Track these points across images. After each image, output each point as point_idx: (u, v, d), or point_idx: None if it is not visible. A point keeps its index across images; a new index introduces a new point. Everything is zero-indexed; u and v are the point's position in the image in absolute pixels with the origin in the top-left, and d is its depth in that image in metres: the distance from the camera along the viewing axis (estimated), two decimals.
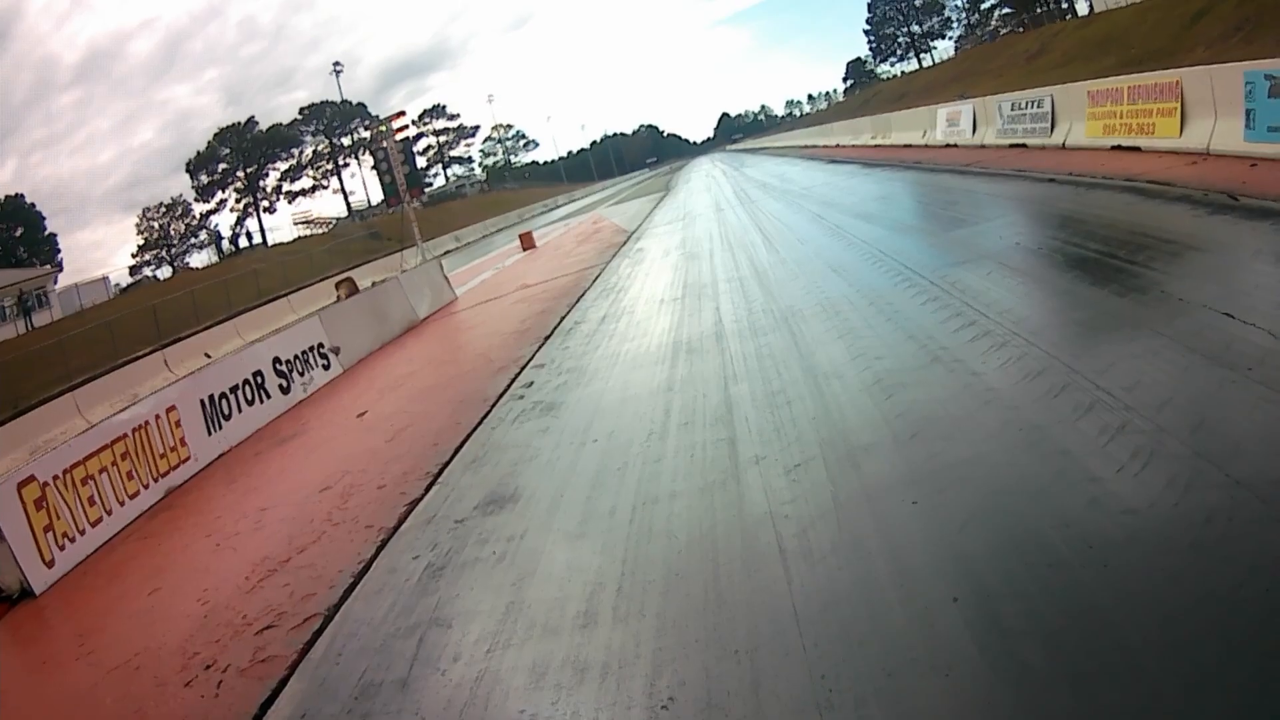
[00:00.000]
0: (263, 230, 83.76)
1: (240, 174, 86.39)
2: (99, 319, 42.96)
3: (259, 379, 13.11)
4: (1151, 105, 14.08)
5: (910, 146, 27.76)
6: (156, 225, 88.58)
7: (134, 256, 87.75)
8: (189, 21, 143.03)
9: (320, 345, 14.80)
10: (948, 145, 24.58)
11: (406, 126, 21.75)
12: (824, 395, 6.06)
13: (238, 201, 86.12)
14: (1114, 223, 9.16)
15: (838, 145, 41.32)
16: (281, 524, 7.47)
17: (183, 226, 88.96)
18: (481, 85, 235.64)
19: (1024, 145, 19.16)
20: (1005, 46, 68.59)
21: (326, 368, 14.75)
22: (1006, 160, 17.11)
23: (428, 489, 6.97)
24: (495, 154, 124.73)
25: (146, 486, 9.92)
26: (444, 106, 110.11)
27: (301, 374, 14.06)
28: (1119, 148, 14.41)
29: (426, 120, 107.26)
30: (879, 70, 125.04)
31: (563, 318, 12.37)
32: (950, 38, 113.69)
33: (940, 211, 13.25)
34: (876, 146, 32.67)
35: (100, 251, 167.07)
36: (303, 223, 77.62)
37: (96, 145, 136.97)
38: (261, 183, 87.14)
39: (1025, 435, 4.57)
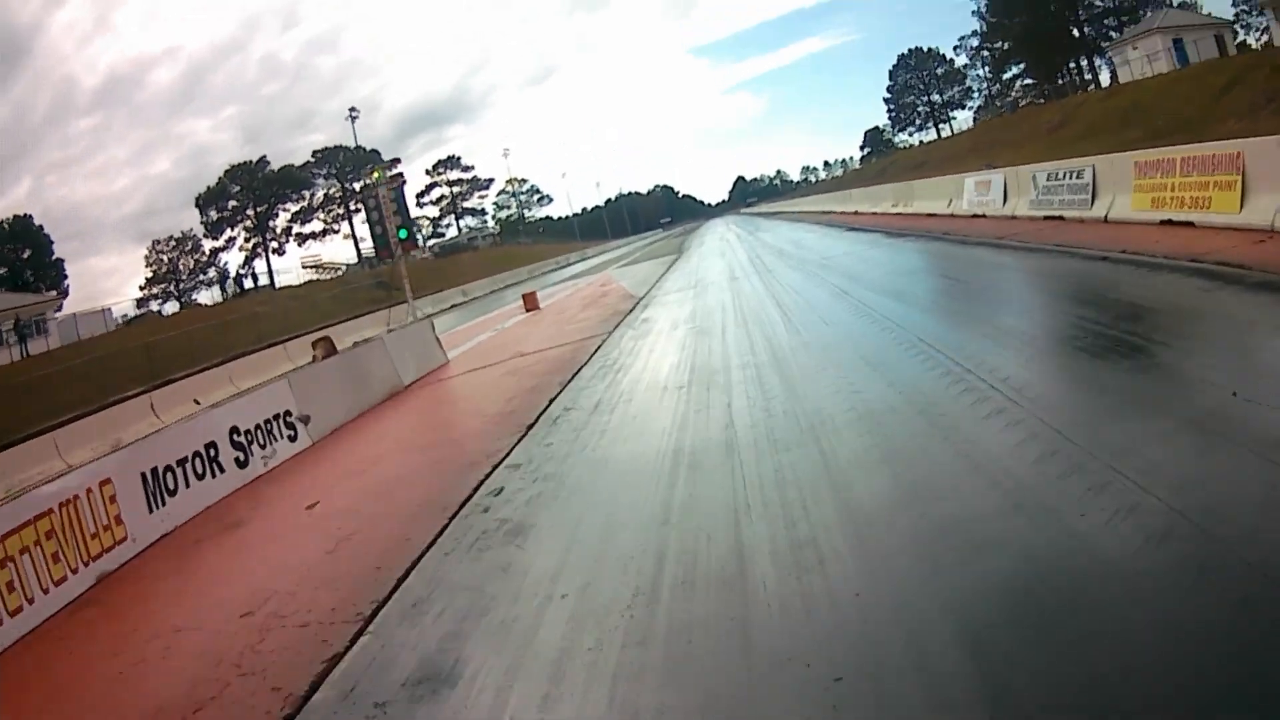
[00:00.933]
0: (270, 272, 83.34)
1: (250, 213, 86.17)
2: (95, 351, 42.15)
3: (212, 451, 11.70)
4: (1208, 178, 12.95)
5: (934, 216, 26.61)
6: (165, 259, 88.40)
7: (141, 289, 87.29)
8: (211, 54, 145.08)
9: (287, 413, 13.39)
10: (975, 215, 23.41)
11: (400, 175, 20.39)
12: (870, 557, 4.54)
13: (247, 240, 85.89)
14: (1199, 312, 7.79)
15: (856, 212, 40.34)
16: (190, 659, 6.05)
17: (191, 262, 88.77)
18: (500, 139, 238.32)
19: (1060, 218, 18.00)
20: (1026, 118, 68.22)
21: (293, 439, 13.31)
22: (1043, 234, 15.87)
23: (355, 638, 5.47)
24: (509, 207, 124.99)
25: (75, 571, 8.61)
26: (459, 158, 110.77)
27: (263, 446, 12.63)
28: (1169, 223, 13.25)
29: (441, 170, 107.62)
30: (897, 139, 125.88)
31: (552, 399, 10.91)
32: (970, 108, 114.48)
33: (984, 292, 11.88)
34: (898, 214, 31.57)
35: (113, 279, 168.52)
36: (311, 266, 76.93)
37: (112, 172, 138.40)
38: (271, 223, 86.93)
39: (1164, 633, 3.07)
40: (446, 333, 28.43)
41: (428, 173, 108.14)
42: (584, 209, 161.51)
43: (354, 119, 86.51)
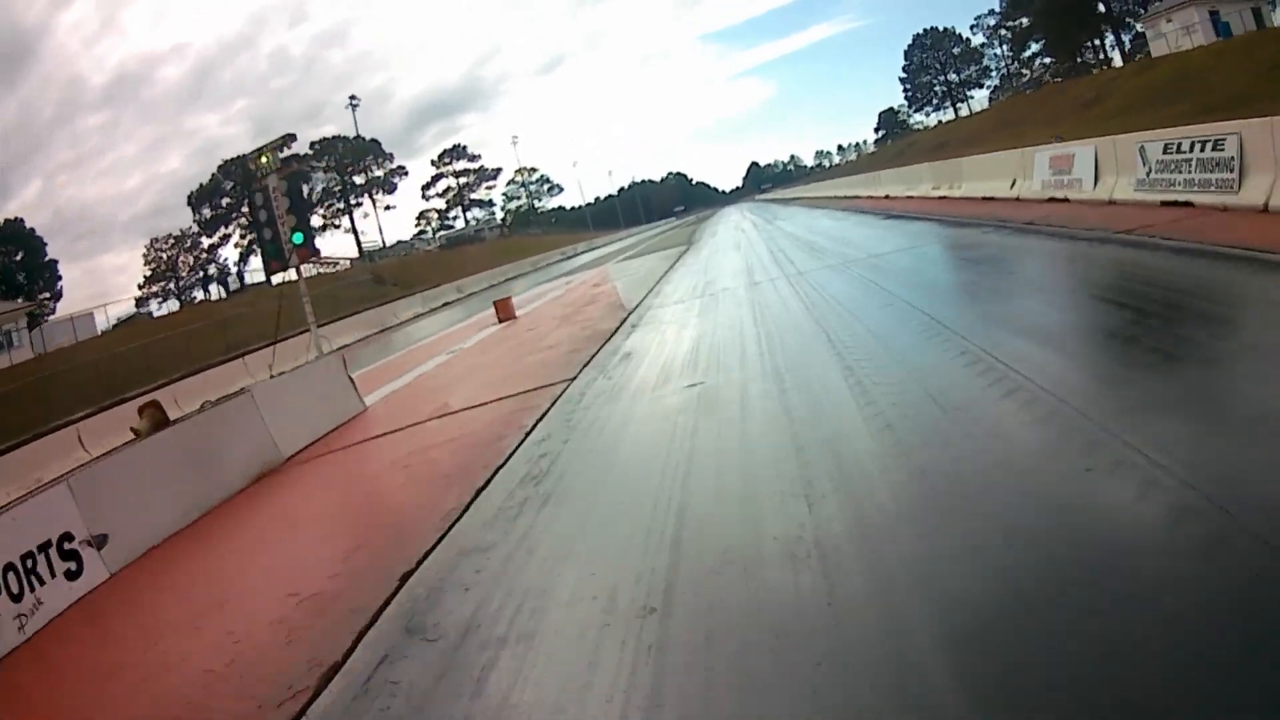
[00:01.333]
0: (267, 269, 77.84)
1: (244, 208, 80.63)
2: (56, 366, 37.50)
3: None
4: None
5: (994, 200, 20.97)
6: (164, 257, 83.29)
7: (140, 288, 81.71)
8: (219, 49, 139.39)
9: (67, 537, 8.10)
10: (1051, 199, 17.84)
11: (292, 160, 13.90)
12: None
13: (243, 237, 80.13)
14: None
15: (887, 197, 34.59)
16: None
17: (191, 259, 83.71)
18: (512, 128, 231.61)
19: (1188, 204, 12.52)
20: (1053, 94, 61.57)
21: (75, 574, 8.05)
22: (1187, 227, 10.47)
23: None
24: (519, 198, 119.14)
25: None
26: (464, 147, 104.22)
27: (17, 597, 7.41)
28: None
29: (447, 161, 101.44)
30: (913, 120, 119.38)
31: (406, 577, 5.24)
32: (987, 87, 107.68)
33: (1239, 340, 6.14)
34: (942, 199, 25.90)
35: (124, 276, 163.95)
36: (307, 262, 71.76)
37: (123, 169, 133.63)
38: None
39: None
40: (398, 354, 22.92)
41: (433, 163, 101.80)
42: (597, 198, 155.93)
43: (354, 107, 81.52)
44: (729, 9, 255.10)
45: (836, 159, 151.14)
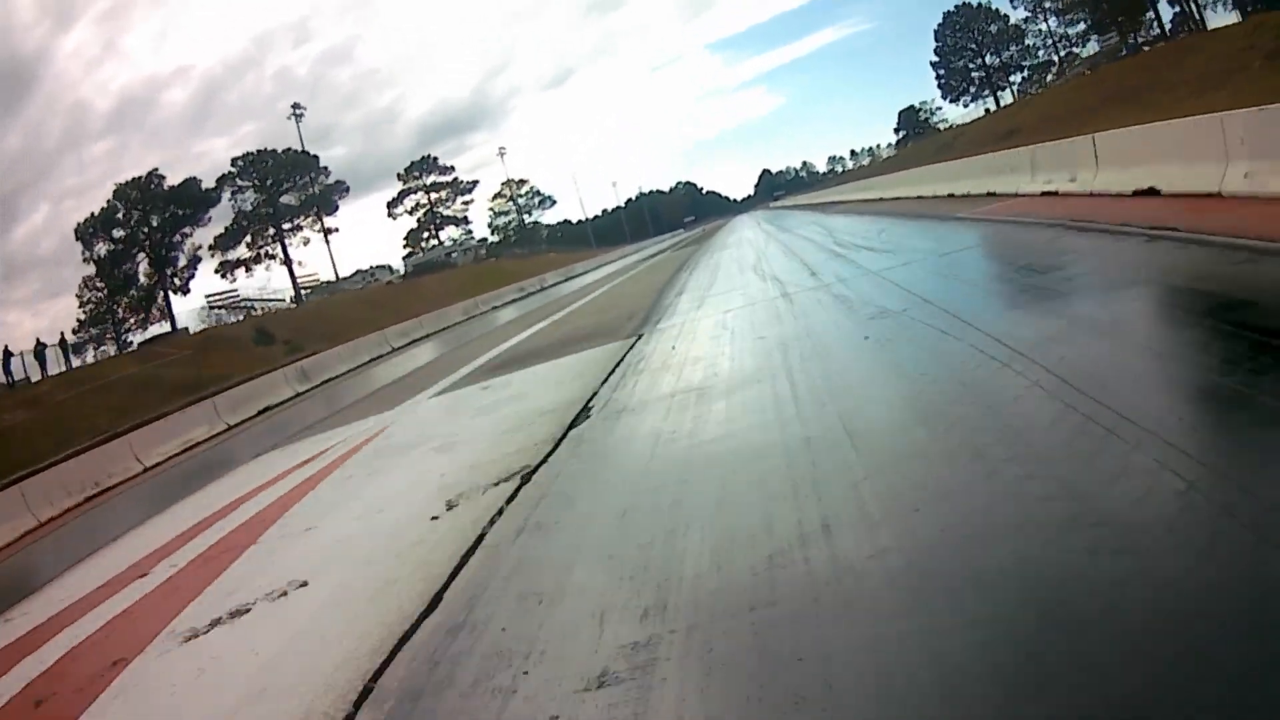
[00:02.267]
0: (171, 315, 61.75)
1: (146, 242, 64.07)
2: None
3: None
4: None
5: None
6: (100, 297, 67.83)
7: (74, 333, 62.05)
8: (224, 72, 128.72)
9: None
10: None
11: None
12: None
13: (149, 277, 63.86)
14: None
15: (990, 194, 18.89)
16: None
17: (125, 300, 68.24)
18: (522, 144, 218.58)
19: None
20: (1187, 50, 44.40)
21: None
22: None
23: None
24: (509, 213, 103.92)
25: None
26: (435, 158, 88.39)
27: None
28: None
29: (416, 174, 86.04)
30: (938, 116, 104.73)
31: None
32: (1027, 68, 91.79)
33: None
34: (1134, 195, 10.21)
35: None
36: (219, 307, 56.66)
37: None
38: (173, 253, 64.46)
39: None
40: None
41: (399, 177, 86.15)
42: (605, 210, 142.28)
43: (299, 117, 66.95)
44: (734, 16, 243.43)
45: (850, 164, 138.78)
